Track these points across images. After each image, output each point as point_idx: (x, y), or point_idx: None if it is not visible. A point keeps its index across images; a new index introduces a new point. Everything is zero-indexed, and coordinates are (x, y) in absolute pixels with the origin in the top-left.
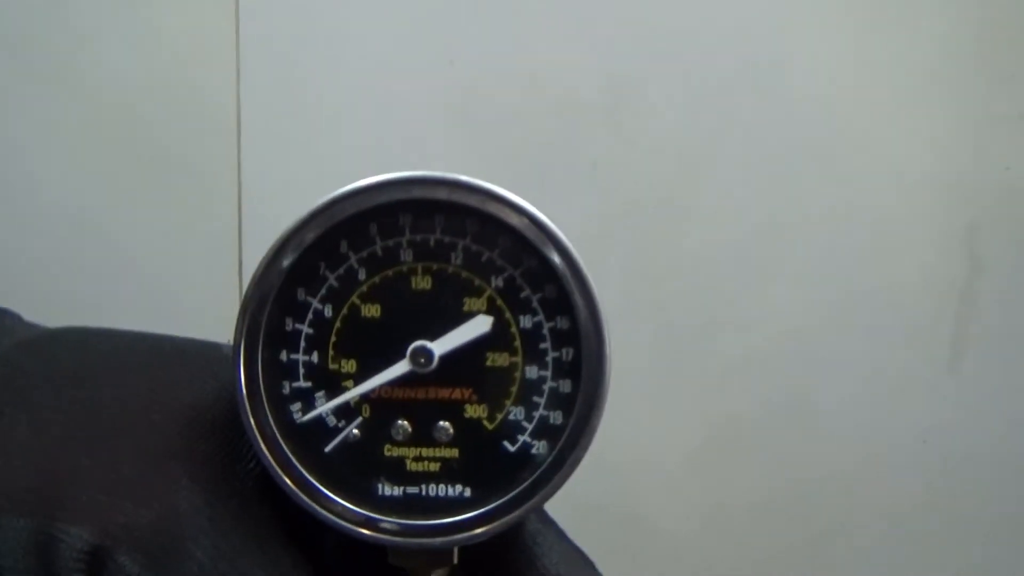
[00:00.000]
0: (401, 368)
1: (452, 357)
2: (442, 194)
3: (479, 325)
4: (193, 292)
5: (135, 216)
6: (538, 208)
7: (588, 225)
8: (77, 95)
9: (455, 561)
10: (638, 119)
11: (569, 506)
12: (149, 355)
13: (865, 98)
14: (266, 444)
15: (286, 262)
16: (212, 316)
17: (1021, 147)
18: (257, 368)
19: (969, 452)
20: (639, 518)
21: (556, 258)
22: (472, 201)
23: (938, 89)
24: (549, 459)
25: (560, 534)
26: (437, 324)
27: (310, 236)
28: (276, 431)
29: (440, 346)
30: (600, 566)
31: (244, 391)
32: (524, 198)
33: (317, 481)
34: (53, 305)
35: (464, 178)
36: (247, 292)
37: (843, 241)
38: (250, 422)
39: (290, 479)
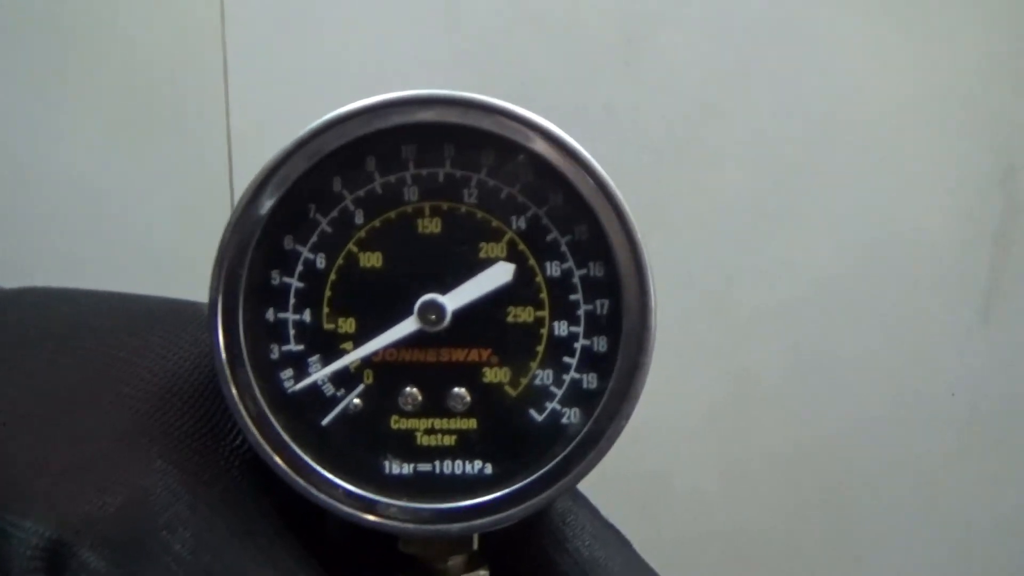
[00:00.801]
0: (408, 326)
1: (467, 313)
2: (454, 116)
3: (499, 274)
4: (182, 246)
5: (121, 167)
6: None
7: None
8: (57, 45)
9: (475, 547)
10: (653, 59)
11: None
12: (117, 318)
13: (896, 35)
14: (251, 418)
15: (268, 203)
16: (202, 272)
17: None
18: (238, 329)
19: (1000, 404)
20: (657, 474)
21: (589, 193)
22: (488, 124)
23: (972, 21)
24: (584, 430)
25: (593, 512)
26: (449, 275)
27: (295, 172)
28: (263, 403)
29: (453, 300)
30: (616, 523)
31: (224, 356)
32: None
33: (313, 460)
34: (33, 263)
35: (479, 97)
36: (223, 240)
37: (872, 185)
38: (232, 393)
39: (281, 458)
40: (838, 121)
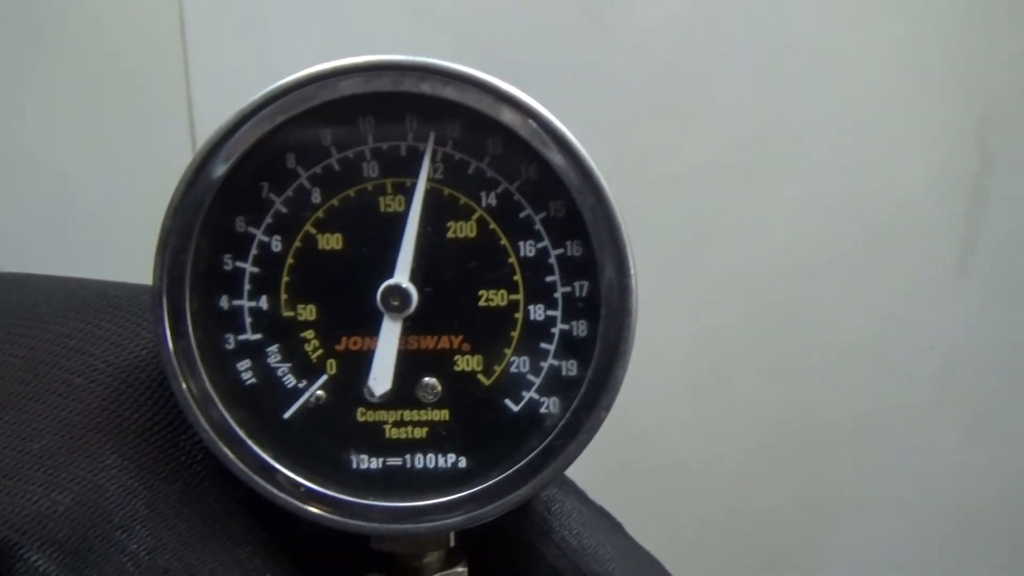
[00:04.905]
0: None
1: (436, 298)
2: (410, 85)
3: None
4: (142, 225)
5: (76, 141)
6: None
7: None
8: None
9: (452, 544)
10: (623, 14)
11: None
12: (69, 304)
13: None
14: (204, 414)
15: (214, 184)
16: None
17: None
18: (186, 319)
19: (976, 358)
20: (635, 437)
21: (563, 165)
22: (450, 93)
23: None
24: (562, 422)
25: (580, 497)
26: (415, 256)
27: (242, 148)
28: (216, 397)
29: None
30: (594, 490)
31: (171, 347)
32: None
33: (272, 457)
34: None
35: (439, 62)
36: (164, 223)
37: (847, 141)
38: (181, 387)
39: (238, 456)
40: (811, 78)
